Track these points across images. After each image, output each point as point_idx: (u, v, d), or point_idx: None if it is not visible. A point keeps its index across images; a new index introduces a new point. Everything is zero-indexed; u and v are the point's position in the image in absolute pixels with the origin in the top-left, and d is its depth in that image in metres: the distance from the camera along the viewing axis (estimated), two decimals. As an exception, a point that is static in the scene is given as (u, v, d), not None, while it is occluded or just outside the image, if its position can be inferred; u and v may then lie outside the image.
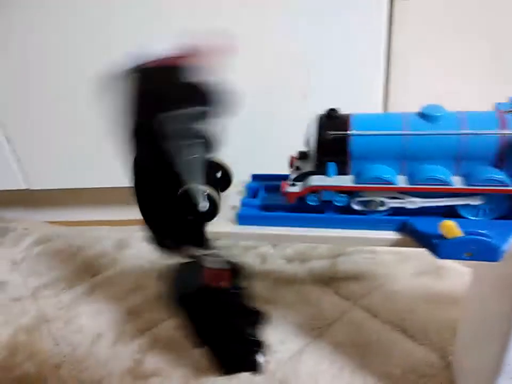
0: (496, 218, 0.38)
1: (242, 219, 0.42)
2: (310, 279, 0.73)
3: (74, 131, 0.86)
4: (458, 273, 0.70)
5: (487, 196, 0.37)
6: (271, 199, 0.45)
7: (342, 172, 0.40)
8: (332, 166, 0.39)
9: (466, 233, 0.34)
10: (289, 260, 0.80)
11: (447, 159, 0.37)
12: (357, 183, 0.38)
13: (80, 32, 0.77)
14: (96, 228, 0.98)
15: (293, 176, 0.42)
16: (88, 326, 0.69)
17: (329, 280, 0.72)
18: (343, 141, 0.38)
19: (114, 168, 0.89)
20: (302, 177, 0.41)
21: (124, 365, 0.61)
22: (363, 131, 0.38)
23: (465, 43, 0.70)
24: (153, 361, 0.61)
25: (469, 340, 0.51)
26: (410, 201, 0.38)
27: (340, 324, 0.63)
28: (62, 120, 0.85)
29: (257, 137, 0.79)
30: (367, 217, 0.39)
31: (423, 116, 0.37)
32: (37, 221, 1.05)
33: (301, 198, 0.41)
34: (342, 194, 0.40)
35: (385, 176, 0.37)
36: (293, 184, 0.41)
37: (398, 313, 0.64)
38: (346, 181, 0.39)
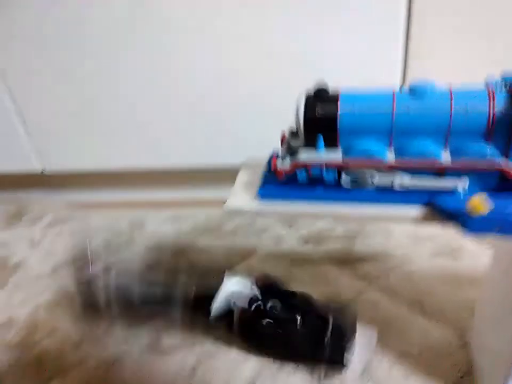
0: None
1: (263, 195, 0.42)
2: (326, 260, 0.74)
3: (91, 113, 0.86)
4: (475, 255, 0.70)
5: (476, 172, 0.37)
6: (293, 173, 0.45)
7: (331, 146, 0.40)
8: (321, 142, 0.39)
9: (494, 209, 0.33)
10: (305, 240, 0.80)
11: (436, 134, 0.37)
12: (346, 159, 0.39)
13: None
14: (111, 209, 0.99)
15: (283, 152, 0.42)
16: (107, 303, 0.70)
17: (346, 260, 0.72)
18: (332, 117, 0.38)
19: (130, 149, 0.90)
20: (292, 153, 0.41)
21: (142, 342, 0.62)
22: (351, 107, 0.38)
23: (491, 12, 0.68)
24: (170, 338, 0.62)
25: (487, 320, 0.51)
26: (401, 179, 0.39)
27: (357, 303, 0.63)
28: (78, 102, 0.85)
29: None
30: (393, 193, 0.39)
31: (412, 91, 0.37)
32: (53, 202, 1.05)
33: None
34: (331, 170, 0.40)
35: (374, 151, 0.38)
36: (283, 160, 0.41)
37: (415, 293, 0.64)
38: (335, 156, 0.39)
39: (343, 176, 0.40)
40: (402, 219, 0.38)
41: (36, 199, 1.06)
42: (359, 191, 0.40)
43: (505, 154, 0.36)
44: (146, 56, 0.78)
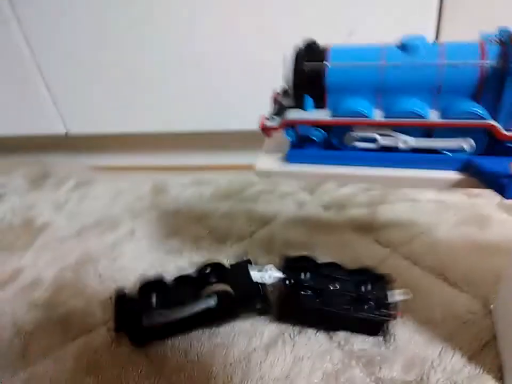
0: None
1: (292, 157, 0.41)
2: (348, 227, 0.73)
3: (115, 75, 0.86)
4: (502, 224, 0.69)
5: (466, 131, 0.36)
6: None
7: (319, 105, 0.39)
8: (309, 100, 0.38)
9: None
10: (327, 207, 0.79)
11: (425, 92, 0.36)
12: (333, 117, 0.38)
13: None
14: (134, 173, 0.99)
15: (272, 111, 0.42)
16: (131, 265, 0.71)
17: (368, 227, 0.72)
18: (319, 73, 0.37)
19: (154, 113, 0.89)
20: (280, 111, 0.41)
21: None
22: (339, 62, 0.37)
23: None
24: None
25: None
26: (403, 140, 0.38)
27: (380, 270, 0.63)
28: (103, 64, 0.85)
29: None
30: (428, 156, 0.37)
31: (403, 47, 0.36)
32: (76, 165, 1.06)
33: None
34: (319, 129, 0.39)
35: (360, 109, 0.36)
36: (272, 119, 0.41)
37: (439, 261, 0.63)
38: (322, 115, 0.38)
39: (331, 135, 0.40)
40: (438, 183, 0.37)
41: (60, 162, 1.07)
42: (392, 154, 0.38)
43: (495, 112, 0.34)
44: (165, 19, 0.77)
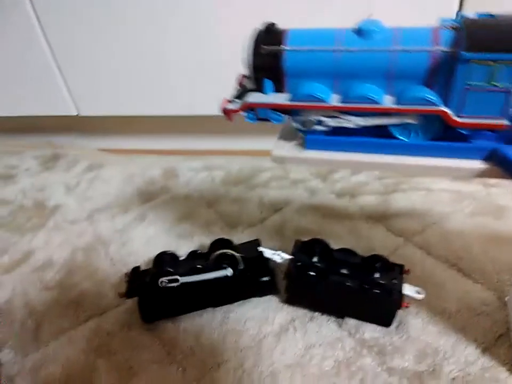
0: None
1: (310, 143, 0.40)
2: (361, 215, 0.72)
3: (127, 57, 0.85)
4: (518, 215, 0.67)
5: (420, 116, 0.36)
6: None
7: (279, 89, 0.39)
8: (268, 84, 0.39)
9: None
10: (339, 194, 0.78)
11: (379, 77, 0.36)
12: (291, 101, 0.38)
13: None
14: (145, 157, 0.99)
15: (236, 93, 0.42)
16: (142, 249, 0.71)
17: (381, 216, 0.71)
18: (276, 57, 0.37)
19: (166, 96, 0.89)
20: (242, 94, 0.41)
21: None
22: (297, 46, 0.37)
23: None
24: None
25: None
26: (347, 120, 0.38)
27: (392, 259, 0.62)
28: (114, 46, 0.84)
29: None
30: (452, 144, 0.36)
31: (359, 31, 0.36)
32: (87, 148, 1.06)
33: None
34: (278, 113, 0.40)
35: (317, 94, 0.37)
36: (234, 102, 0.41)
37: (453, 252, 0.62)
38: (280, 98, 0.39)
39: (292, 119, 0.40)
40: (461, 172, 0.36)
41: (71, 144, 1.07)
42: (413, 142, 0.37)
43: (447, 99, 0.34)
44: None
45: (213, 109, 0.86)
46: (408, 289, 0.52)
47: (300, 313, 0.57)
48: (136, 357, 0.55)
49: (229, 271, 0.55)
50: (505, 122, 0.33)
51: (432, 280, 0.58)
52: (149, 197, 0.84)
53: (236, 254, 0.56)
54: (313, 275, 0.54)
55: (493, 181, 0.49)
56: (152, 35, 0.81)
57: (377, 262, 0.54)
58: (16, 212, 0.84)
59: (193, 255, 0.60)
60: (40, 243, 0.76)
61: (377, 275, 0.52)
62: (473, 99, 0.33)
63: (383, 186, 0.77)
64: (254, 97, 0.40)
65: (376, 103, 0.36)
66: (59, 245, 0.75)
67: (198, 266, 0.56)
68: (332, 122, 0.39)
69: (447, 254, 0.62)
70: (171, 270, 0.56)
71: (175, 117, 0.91)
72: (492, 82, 0.32)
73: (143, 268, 0.60)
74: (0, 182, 0.93)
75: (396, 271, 0.53)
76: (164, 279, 0.54)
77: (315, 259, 0.55)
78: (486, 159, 0.35)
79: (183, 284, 0.54)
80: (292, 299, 0.58)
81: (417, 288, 0.52)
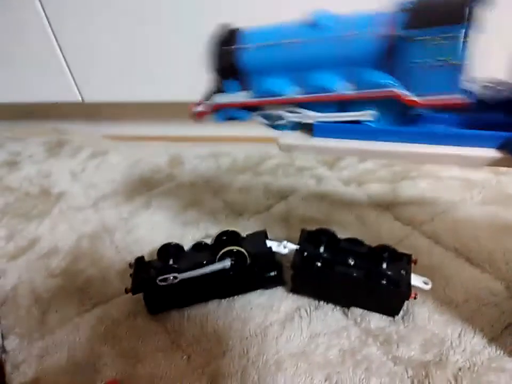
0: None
1: (318, 130, 0.39)
2: (368, 203, 0.71)
3: (132, 44, 0.84)
4: (529, 204, 0.66)
5: (379, 102, 0.36)
6: None
7: (245, 88, 0.41)
8: (233, 83, 0.41)
9: None
10: (346, 182, 0.77)
11: (335, 65, 0.37)
12: (252, 98, 0.40)
13: None
14: (150, 143, 0.98)
15: (204, 95, 0.44)
16: (147, 236, 0.71)
17: (389, 204, 0.70)
18: (234, 56, 0.39)
19: (171, 82, 0.87)
20: (210, 96, 0.43)
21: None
22: (253, 44, 0.39)
23: None
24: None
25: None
26: (308, 116, 0.39)
27: (400, 248, 0.61)
28: (119, 32, 0.82)
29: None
30: (467, 132, 0.35)
31: (312, 23, 0.37)
32: (92, 134, 1.06)
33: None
34: (245, 111, 0.42)
35: (273, 88, 0.38)
36: (201, 104, 0.43)
37: (462, 241, 0.61)
38: (243, 97, 0.40)
39: (256, 115, 0.42)
40: (476, 161, 0.35)
41: (76, 130, 1.07)
42: (430, 131, 0.36)
43: (403, 79, 0.35)
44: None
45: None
46: (415, 280, 0.51)
47: (305, 301, 0.57)
48: (141, 344, 0.55)
49: (227, 262, 0.54)
50: (465, 98, 0.33)
51: (440, 269, 0.58)
52: (154, 184, 0.83)
53: (242, 250, 0.55)
54: (319, 266, 0.53)
55: (503, 168, 0.48)
56: (156, 21, 0.79)
57: (385, 252, 0.53)
58: (21, 199, 0.84)
59: (198, 246, 0.59)
60: (46, 230, 0.76)
61: (384, 265, 0.52)
62: (424, 76, 0.33)
63: (391, 174, 0.76)
64: (220, 98, 0.42)
65: (333, 91, 0.36)
66: (64, 232, 0.75)
67: (203, 262, 0.55)
68: (293, 118, 0.40)
69: (455, 243, 0.61)
70: (175, 266, 0.55)
71: (180, 103, 0.90)
72: (439, 58, 0.32)
73: (147, 257, 0.60)
74: (4, 168, 0.93)
75: (404, 261, 0.53)
76: (170, 275, 0.53)
77: (321, 249, 0.54)
78: (500, 147, 0.34)
79: (188, 279, 0.54)
80: (298, 289, 0.58)
81: (424, 278, 0.51)
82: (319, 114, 0.39)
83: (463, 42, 0.31)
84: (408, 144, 0.36)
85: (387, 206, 0.70)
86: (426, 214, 0.67)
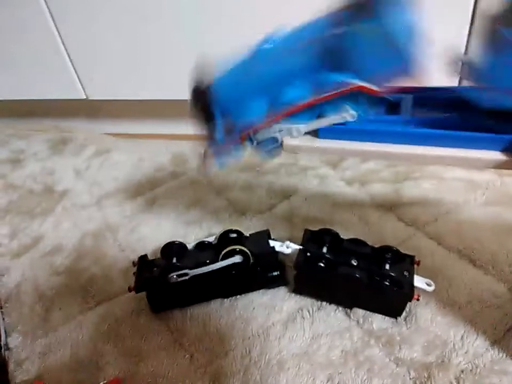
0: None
1: (323, 132, 0.39)
2: (371, 203, 0.71)
3: (135, 42, 0.84)
4: (533, 206, 0.66)
5: (350, 98, 0.37)
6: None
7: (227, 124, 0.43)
8: (218, 122, 0.42)
9: None
10: (349, 182, 0.77)
11: (301, 75, 0.38)
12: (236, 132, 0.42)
13: None
14: (154, 141, 0.98)
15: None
16: (150, 235, 0.71)
17: (392, 205, 0.70)
18: (208, 93, 0.41)
19: (174, 80, 0.87)
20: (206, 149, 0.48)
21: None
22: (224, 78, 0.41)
23: None
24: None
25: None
26: (297, 129, 0.41)
27: (403, 249, 0.61)
28: (123, 30, 0.82)
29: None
30: (473, 135, 0.35)
31: (268, 42, 0.39)
32: (95, 132, 1.06)
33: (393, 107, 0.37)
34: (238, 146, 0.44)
35: (254, 113, 0.40)
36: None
37: (465, 242, 0.61)
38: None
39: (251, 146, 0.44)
40: (481, 163, 0.35)
41: (80, 128, 1.07)
42: (435, 133, 0.36)
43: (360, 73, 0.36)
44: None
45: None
46: (418, 281, 0.51)
47: (308, 302, 0.57)
48: (144, 343, 0.55)
49: (237, 258, 0.55)
50: (422, 76, 0.35)
51: (443, 271, 0.58)
52: (157, 183, 0.83)
53: (245, 249, 0.55)
54: (322, 266, 0.53)
55: (507, 170, 0.48)
56: (159, 18, 0.79)
57: (388, 252, 0.53)
58: (25, 197, 0.85)
59: (201, 245, 0.59)
60: (49, 228, 0.76)
61: (387, 266, 0.52)
62: (376, 64, 0.35)
63: (394, 174, 0.76)
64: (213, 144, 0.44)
65: (301, 101, 0.38)
66: (68, 230, 0.75)
67: (206, 261, 0.55)
68: (281, 134, 0.41)
69: (458, 244, 0.61)
70: (178, 264, 0.55)
71: (184, 101, 0.90)
72: (385, 45, 0.33)
73: (150, 255, 0.60)
74: (8, 166, 0.93)
75: (407, 262, 0.53)
76: (174, 274, 0.54)
77: (324, 249, 0.54)
78: (504, 150, 0.34)
79: (191, 277, 0.54)
80: (300, 289, 0.58)
81: (427, 280, 0.51)
82: (303, 125, 0.40)
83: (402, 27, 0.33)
84: (412, 146, 0.36)
85: (390, 206, 0.70)
86: (430, 215, 0.67)
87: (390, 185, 0.74)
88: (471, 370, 0.48)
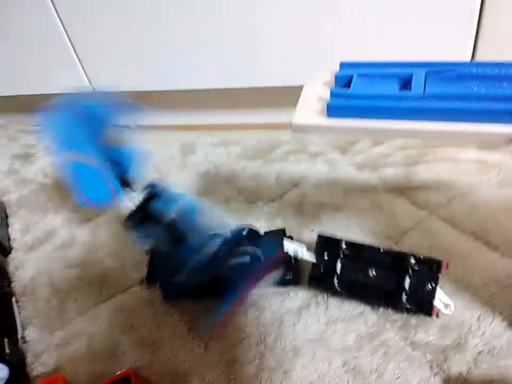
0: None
1: (332, 110, 0.38)
2: (383, 187, 0.70)
3: (141, 32, 0.83)
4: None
5: None
6: (367, 88, 0.40)
7: None
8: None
9: None
10: (360, 167, 0.76)
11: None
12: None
13: None
14: (162, 132, 0.98)
15: None
16: (162, 226, 0.71)
17: (404, 188, 0.69)
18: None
19: (181, 70, 0.87)
20: None
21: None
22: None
23: None
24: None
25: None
26: None
27: (416, 232, 0.61)
28: (129, 20, 0.82)
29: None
30: (484, 107, 0.34)
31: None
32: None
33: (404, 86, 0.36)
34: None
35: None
36: None
37: (480, 224, 0.60)
38: None
39: None
40: (494, 137, 0.34)
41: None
42: (453, 107, 0.35)
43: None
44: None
45: (225, 82, 0.85)
46: (437, 301, 0.50)
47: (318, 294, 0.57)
48: (159, 333, 0.55)
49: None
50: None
51: (458, 253, 0.57)
52: (167, 173, 0.83)
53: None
54: (336, 285, 0.53)
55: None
56: (166, 9, 0.78)
57: (410, 260, 0.51)
58: (37, 191, 0.85)
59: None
60: (63, 221, 0.77)
61: (407, 283, 0.50)
62: None
63: (406, 158, 0.75)
64: None
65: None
66: (80, 223, 0.75)
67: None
68: None
69: (473, 226, 0.60)
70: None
71: (190, 91, 0.90)
72: None
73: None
74: (19, 161, 0.94)
75: (432, 269, 0.50)
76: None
77: (338, 267, 0.53)
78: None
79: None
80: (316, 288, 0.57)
81: (447, 301, 0.50)
82: None
83: None
84: (425, 122, 0.35)
85: (402, 190, 0.69)
86: (443, 198, 0.66)
87: (401, 169, 0.73)
88: (488, 352, 0.47)
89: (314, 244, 0.56)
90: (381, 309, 0.53)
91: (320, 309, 0.54)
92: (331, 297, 0.55)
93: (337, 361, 0.49)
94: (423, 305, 0.50)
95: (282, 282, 0.57)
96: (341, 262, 0.53)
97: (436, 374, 0.47)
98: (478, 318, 0.50)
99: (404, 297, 0.50)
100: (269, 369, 0.50)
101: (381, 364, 0.48)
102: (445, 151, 0.73)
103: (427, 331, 0.50)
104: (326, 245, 0.55)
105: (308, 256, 0.55)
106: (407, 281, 0.50)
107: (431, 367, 0.48)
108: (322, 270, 0.54)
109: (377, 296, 0.51)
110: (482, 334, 0.49)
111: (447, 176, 0.69)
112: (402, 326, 0.51)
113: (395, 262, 0.52)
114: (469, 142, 0.41)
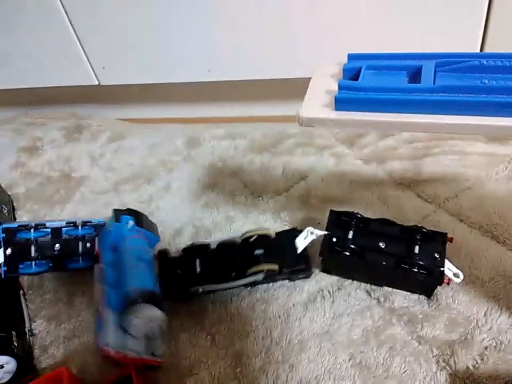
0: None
1: (340, 103, 0.37)
2: (390, 181, 0.70)
3: (147, 25, 0.82)
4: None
5: None
6: (376, 80, 0.39)
7: None
8: None
9: None
10: (367, 160, 0.75)
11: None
12: None
13: None
14: (168, 125, 0.98)
15: None
16: (168, 219, 0.71)
17: (411, 182, 0.68)
18: None
19: (187, 62, 0.86)
20: None
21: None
22: None
23: None
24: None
25: None
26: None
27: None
28: (134, 14, 0.81)
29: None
30: (498, 99, 0.33)
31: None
32: (109, 118, 1.06)
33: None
34: None
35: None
36: None
37: (488, 218, 0.60)
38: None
39: None
40: (504, 130, 0.33)
41: (94, 114, 1.07)
42: (452, 100, 0.34)
43: None
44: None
45: (232, 74, 0.85)
46: (447, 269, 0.49)
47: (328, 282, 0.57)
48: (165, 326, 0.55)
49: (260, 276, 0.55)
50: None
51: (465, 247, 0.57)
52: (173, 167, 0.83)
53: (274, 268, 0.55)
54: (347, 255, 0.52)
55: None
56: (173, 1, 0.78)
57: (418, 232, 0.52)
58: (44, 184, 0.85)
59: (223, 247, 0.60)
60: (70, 215, 0.77)
61: (417, 249, 0.50)
62: None
63: (413, 150, 0.74)
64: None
65: None
66: (87, 216, 0.76)
67: (231, 275, 0.56)
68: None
69: (481, 220, 0.60)
70: (202, 276, 0.57)
71: (196, 84, 0.89)
72: None
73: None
74: (26, 154, 0.94)
75: (438, 241, 0.51)
76: (197, 288, 0.55)
77: (350, 235, 0.53)
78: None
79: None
80: (327, 270, 0.57)
81: (456, 271, 0.49)
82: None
83: None
84: (435, 115, 0.34)
85: (409, 183, 0.68)
86: (450, 191, 0.65)
87: (408, 162, 0.72)
88: (495, 346, 0.47)
89: (327, 221, 0.56)
90: (387, 299, 0.53)
91: (326, 303, 0.54)
92: (337, 291, 0.55)
93: (343, 355, 0.49)
94: (433, 271, 0.49)
95: (295, 279, 0.58)
96: (352, 231, 0.54)
97: (442, 369, 0.47)
98: (485, 313, 0.50)
99: (415, 261, 0.50)
100: (275, 362, 0.50)
101: (387, 358, 0.48)
102: (452, 144, 0.73)
103: (434, 325, 0.50)
104: (338, 218, 0.56)
105: (318, 232, 0.55)
106: (417, 249, 0.51)
107: (438, 362, 0.48)
108: (334, 240, 0.54)
109: (388, 261, 0.51)
110: (489, 328, 0.49)
111: (455, 169, 0.68)
112: (408, 321, 0.51)
113: (403, 233, 0.53)
114: (479, 134, 0.41)
